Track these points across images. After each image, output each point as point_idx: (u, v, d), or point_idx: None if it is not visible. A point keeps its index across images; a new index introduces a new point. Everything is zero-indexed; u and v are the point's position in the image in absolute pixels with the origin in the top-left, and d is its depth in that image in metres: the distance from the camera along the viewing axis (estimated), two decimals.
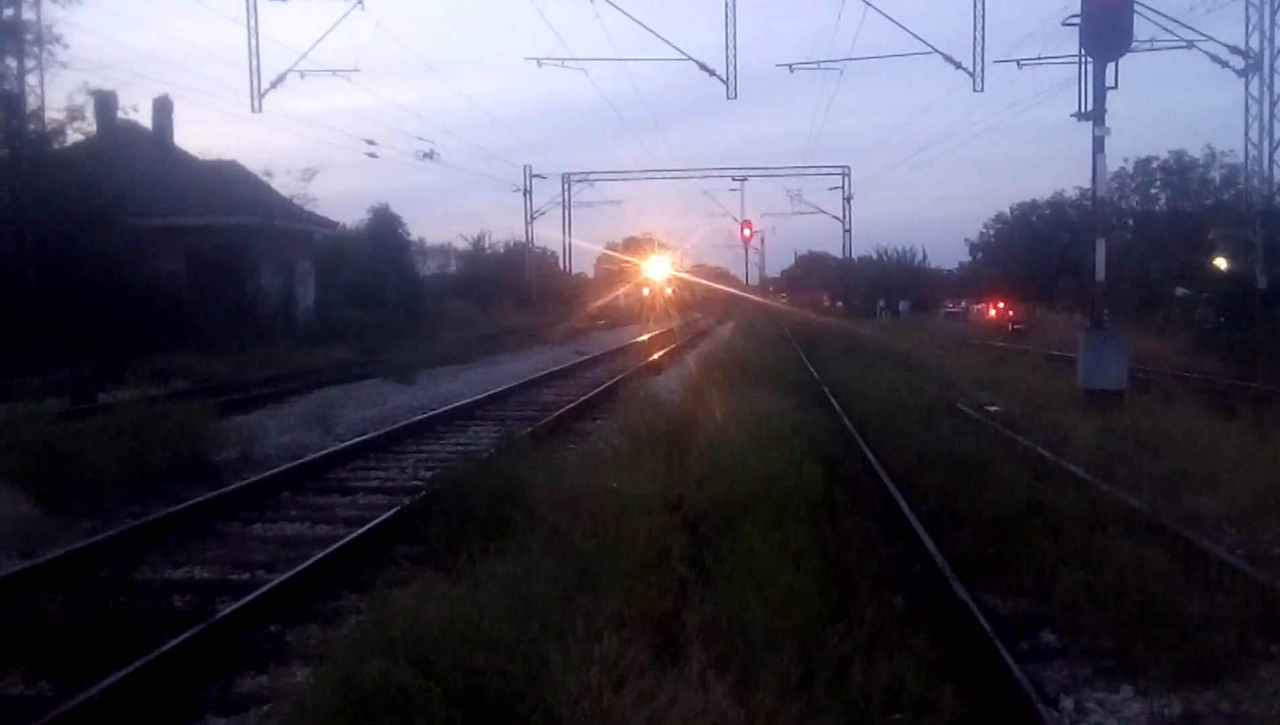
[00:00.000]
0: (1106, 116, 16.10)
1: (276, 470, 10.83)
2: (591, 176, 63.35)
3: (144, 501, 9.60)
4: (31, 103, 27.06)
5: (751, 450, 7.58)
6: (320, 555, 7.38)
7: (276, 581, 6.79)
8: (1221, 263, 34.92)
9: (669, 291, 75.93)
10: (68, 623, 5.94)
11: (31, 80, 26.95)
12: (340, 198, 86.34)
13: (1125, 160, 54.75)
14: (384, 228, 47.67)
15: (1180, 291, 34.84)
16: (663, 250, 78.96)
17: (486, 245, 73.19)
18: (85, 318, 24.14)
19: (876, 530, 7.11)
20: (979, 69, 29.52)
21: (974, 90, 29.65)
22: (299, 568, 7.08)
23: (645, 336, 38.51)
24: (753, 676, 4.28)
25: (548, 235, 69.69)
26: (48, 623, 5.97)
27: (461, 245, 75.99)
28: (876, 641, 4.94)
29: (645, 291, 74.94)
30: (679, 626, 4.91)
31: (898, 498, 8.83)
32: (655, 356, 26.89)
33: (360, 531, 8.06)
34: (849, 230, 64.09)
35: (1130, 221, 52.78)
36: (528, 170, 60.25)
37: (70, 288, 24.58)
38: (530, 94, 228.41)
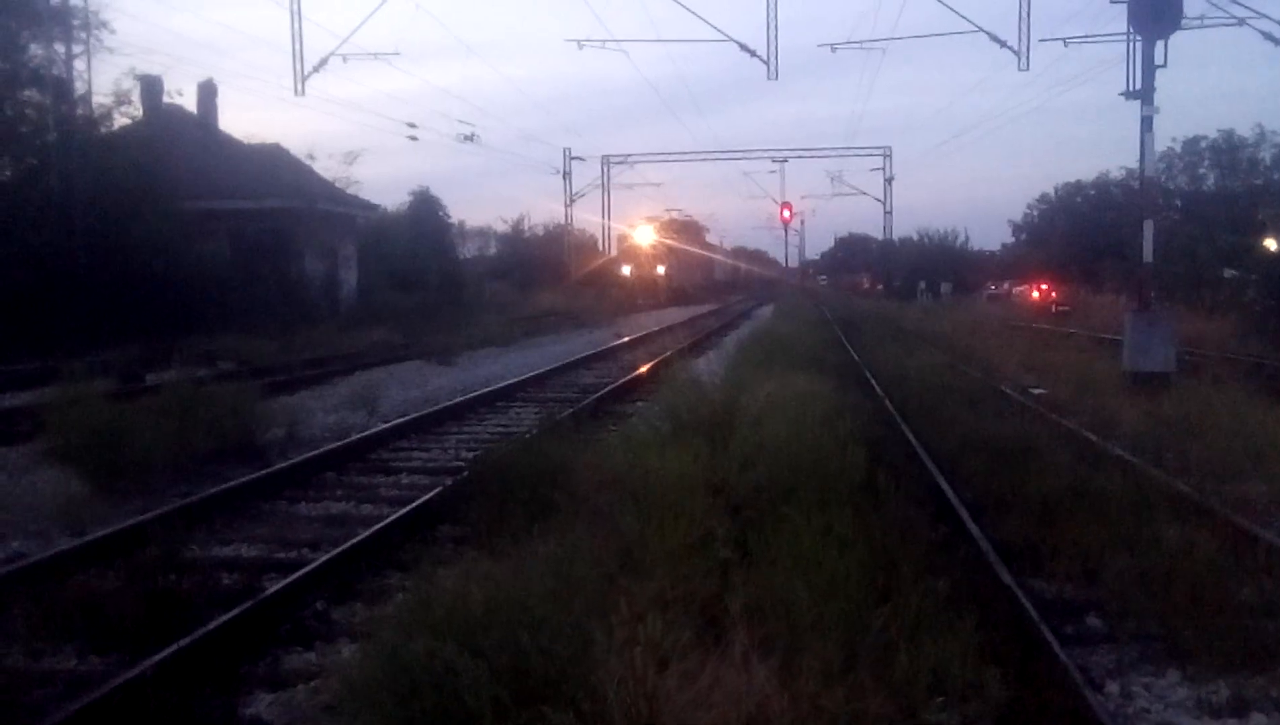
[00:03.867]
0: (1155, 95, 15.85)
1: (321, 450, 10.93)
2: (631, 159, 62.84)
3: (191, 481, 9.72)
4: (79, 88, 27.36)
5: (794, 433, 7.54)
6: (365, 534, 7.44)
7: (322, 560, 6.86)
8: (1271, 244, 34.23)
9: (661, 270, 66.41)
10: (118, 599, 6.06)
11: (79, 65, 27.24)
12: (382, 181, 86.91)
13: (1173, 140, 53.90)
14: (425, 211, 47.89)
15: (1228, 273, 34.15)
16: (650, 220, 68.31)
17: (526, 228, 72.78)
18: (133, 300, 24.46)
19: (920, 514, 7.06)
20: (1024, 47, 28.99)
21: (1019, 69, 29.13)
22: (344, 546, 7.14)
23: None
24: (796, 659, 4.26)
25: (588, 218, 67.52)
26: (99, 599, 6.08)
27: (501, 228, 75.26)
28: (921, 626, 4.91)
29: (626, 270, 64.09)
30: (722, 609, 4.91)
31: (941, 481, 8.77)
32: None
33: (404, 511, 8.11)
34: (890, 212, 63.30)
35: (1178, 202, 51.88)
36: (567, 152, 60.04)
37: (118, 271, 24.89)
38: (570, 76, 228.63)
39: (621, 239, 65.93)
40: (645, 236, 65.23)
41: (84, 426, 9.60)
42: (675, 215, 75.45)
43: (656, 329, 32.69)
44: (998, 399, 14.02)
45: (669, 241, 68.05)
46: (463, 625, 4.27)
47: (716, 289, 79.77)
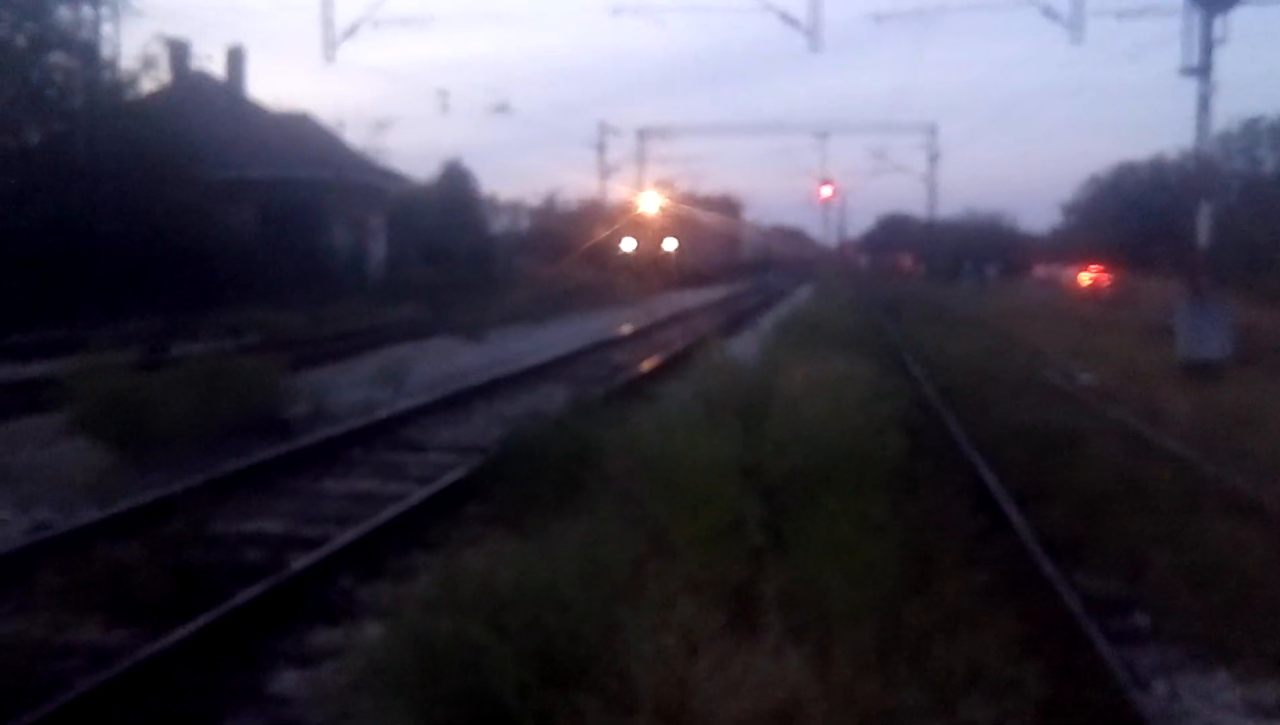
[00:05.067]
0: (1214, 73, 15.53)
1: (348, 426, 10.87)
2: (667, 132, 61.48)
3: (216, 454, 9.65)
4: (106, 52, 27.21)
5: (831, 417, 7.39)
6: (391, 512, 7.38)
7: (348, 537, 6.79)
8: None
9: (671, 245, 55.56)
10: (143, 572, 6.02)
11: (106, 29, 27.03)
12: (412, 151, 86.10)
13: (1230, 120, 52.37)
14: (455, 183, 47.51)
15: None
16: (661, 185, 56.40)
17: (559, 202, 71.63)
18: (159, 270, 24.42)
19: (960, 503, 6.93)
20: (1078, 21, 28.05)
21: (1071, 44, 28.17)
22: (370, 524, 7.08)
23: None
24: (830, 648, 4.16)
25: (623, 193, 65.39)
26: (124, 572, 6.04)
27: (533, 201, 74.07)
28: (959, 618, 4.80)
29: (628, 245, 53.21)
30: (754, 595, 4.80)
31: (982, 470, 8.59)
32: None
33: (431, 489, 8.05)
34: (934, 190, 61.58)
35: (1235, 185, 50.45)
36: (602, 125, 59.09)
37: (144, 240, 24.78)
38: (606, 46, 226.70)
39: (624, 208, 54.74)
40: (651, 204, 53.66)
41: (109, 397, 9.56)
42: (686, 180, 65.22)
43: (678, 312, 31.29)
44: (1043, 387, 13.79)
45: (682, 211, 57.53)
46: (489, 606, 4.19)
47: (744, 269, 72.39)
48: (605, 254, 50.26)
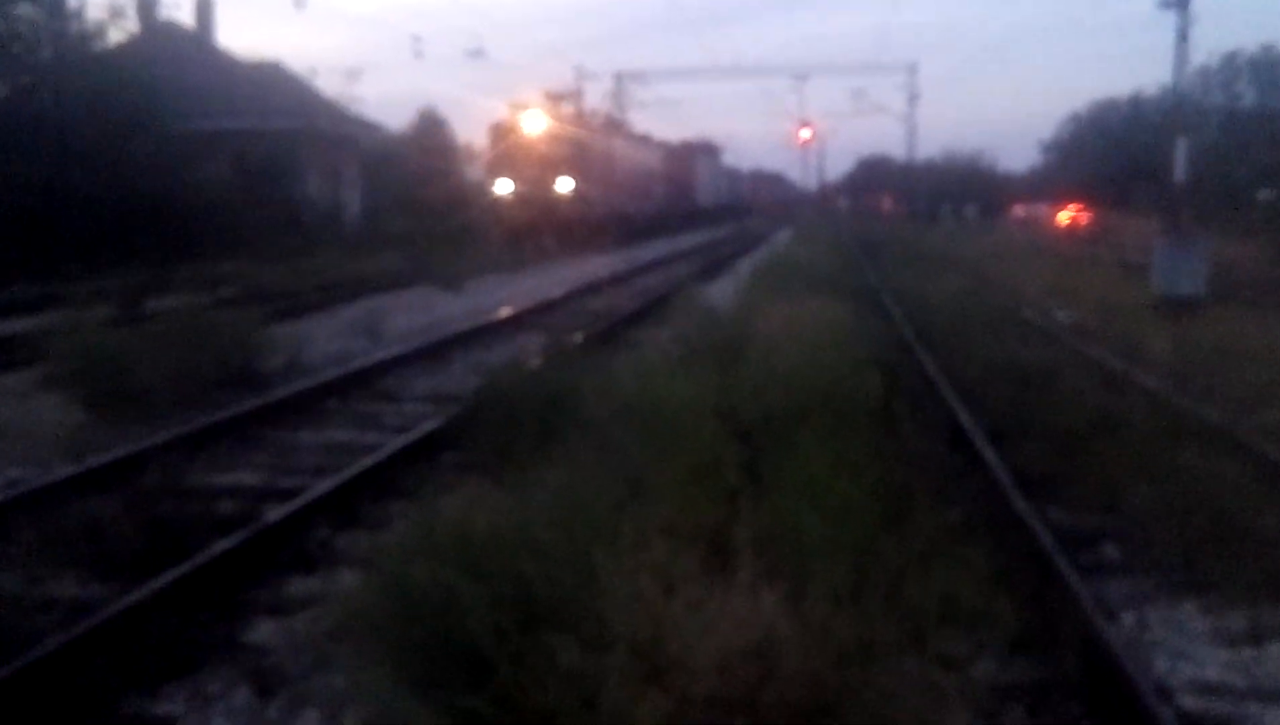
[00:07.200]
0: (1192, 4, 15.53)
1: (324, 378, 10.81)
2: (645, 77, 60.39)
3: (192, 408, 9.60)
4: (72, 3, 26.77)
5: (808, 358, 7.39)
6: (368, 462, 7.35)
7: (325, 487, 6.77)
8: None
9: (569, 187, 36.30)
10: (119, 526, 6.01)
11: None
12: (386, 99, 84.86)
13: (1209, 54, 52.22)
14: (430, 132, 47.01)
15: (1265, 194, 33.40)
16: (553, 99, 38.90)
17: None
18: (132, 224, 24.09)
19: (936, 442, 6.95)
20: None
21: None
22: (347, 474, 7.06)
23: None
24: (805, 587, 4.18)
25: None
26: (99, 526, 6.03)
27: None
28: (933, 554, 4.82)
29: (503, 186, 35.65)
30: (731, 536, 4.82)
31: (958, 409, 8.62)
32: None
33: (408, 439, 8.02)
34: (914, 131, 61.12)
35: (1214, 120, 50.36)
36: (579, 69, 58.30)
37: (117, 194, 24.41)
38: None
39: (498, 133, 36.82)
40: (535, 125, 35.80)
41: (84, 353, 9.48)
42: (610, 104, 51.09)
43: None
44: (1021, 325, 13.83)
45: (588, 140, 39.03)
46: (466, 552, 4.19)
47: (704, 217, 60.77)
48: (470, 199, 36.96)
